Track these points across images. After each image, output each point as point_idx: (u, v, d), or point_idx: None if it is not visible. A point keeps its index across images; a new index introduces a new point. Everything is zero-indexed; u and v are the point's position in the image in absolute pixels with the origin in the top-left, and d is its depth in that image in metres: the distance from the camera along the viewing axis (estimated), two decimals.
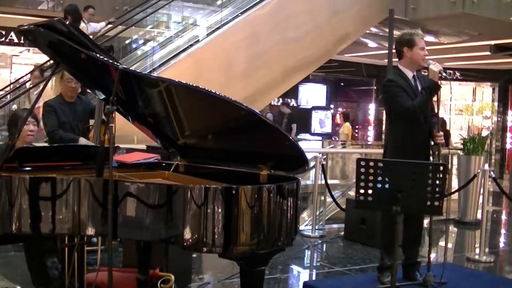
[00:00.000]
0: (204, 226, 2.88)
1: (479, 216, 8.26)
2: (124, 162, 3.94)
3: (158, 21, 11.17)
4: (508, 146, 18.83)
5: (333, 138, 17.58)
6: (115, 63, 3.22)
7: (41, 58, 10.77)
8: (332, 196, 7.69)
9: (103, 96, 3.72)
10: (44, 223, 3.07)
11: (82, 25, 9.50)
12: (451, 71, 18.03)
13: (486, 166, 7.60)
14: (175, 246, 3.09)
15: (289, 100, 17.47)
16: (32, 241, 3.98)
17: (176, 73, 8.76)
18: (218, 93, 3.07)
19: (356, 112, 20.81)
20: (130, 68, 3.70)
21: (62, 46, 3.23)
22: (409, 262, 4.75)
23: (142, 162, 4.03)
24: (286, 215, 3.07)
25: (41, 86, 3.78)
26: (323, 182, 7.56)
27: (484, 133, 15.65)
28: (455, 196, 8.77)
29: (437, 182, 3.55)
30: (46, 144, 5.43)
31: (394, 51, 4.99)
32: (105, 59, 3.20)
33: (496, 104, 19.32)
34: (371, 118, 19.48)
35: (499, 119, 19.23)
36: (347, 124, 16.62)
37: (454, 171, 9.37)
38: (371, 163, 3.60)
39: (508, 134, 18.95)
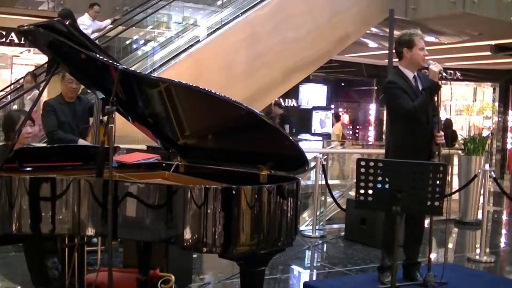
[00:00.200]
0: (204, 226, 2.88)
1: (479, 216, 8.25)
2: (124, 162, 3.94)
3: (159, 21, 11.18)
4: (508, 146, 18.83)
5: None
6: (115, 63, 3.22)
7: (42, 58, 10.80)
8: (332, 196, 7.68)
9: (102, 96, 3.72)
10: (44, 223, 3.07)
11: (89, 22, 9.52)
12: (452, 71, 18.03)
13: (487, 166, 7.59)
14: (175, 246, 3.09)
15: (281, 100, 17.41)
16: (32, 241, 3.98)
17: (176, 73, 8.76)
18: (218, 93, 3.07)
19: (356, 112, 20.81)
20: (130, 68, 3.69)
21: (62, 46, 3.23)
22: (410, 262, 4.75)
23: (142, 163, 4.03)
24: (286, 215, 3.06)
25: (42, 86, 3.77)
26: (324, 182, 7.55)
27: (485, 133, 15.64)
28: (455, 196, 8.77)
29: (437, 182, 3.55)
30: (44, 145, 5.43)
31: (394, 51, 4.99)
32: (105, 59, 3.20)
33: (496, 104, 19.31)
34: (372, 118, 19.49)
35: (499, 119, 19.23)
36: (338, 124, 16.81)
37: (456, 171, 9.36)
38: (371, 163, 3.60)
39: (509, 134, 18.95)
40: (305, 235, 7.21)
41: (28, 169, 3.48)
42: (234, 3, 10.24)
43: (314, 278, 5.66)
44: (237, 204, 2.90)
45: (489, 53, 14.05)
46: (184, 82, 3.22)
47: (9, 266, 5.04)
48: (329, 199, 8.07)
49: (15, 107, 10.07)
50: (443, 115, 14.19)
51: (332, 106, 19.42)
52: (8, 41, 13.00)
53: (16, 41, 12.87)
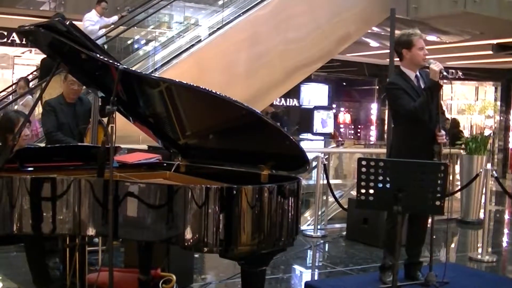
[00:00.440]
0: (205, 226, 2.88)
1: (481, 215, 8.25)
2: (125, 162, 3.94)
3: (160, 21, 11.18)
4: (510, 145, 18.81)
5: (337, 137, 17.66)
6: (116, 63, 3.22)
7: None
8: (334, 196, 7.68)
9: (101, 95, 3.72)
10: (44, 223, 3.07)
11: (96, 18, 9.53)
12: (453, 71, 18.02)
13: (489, 166, 7.56)
14: (176, 246, 3.09)
15: (282, 100, 17.43)
16: (32, 241, 3.99)
17: (177, 73, 8.76)
18: (218, 93, 3.07)
19: (358, 112, 20.79)
20: (131, 68, 3.69)
21: (62, 46, 3.24)
22: (411, 262, 4.75)
23: (143, 162, 4.03)
24: (287, 215, 3.06)
25: (43, 85, 3.78)
26: (325, 182, 7.55)
27: (487, 132, 15.62)
28: (457, 195, 8.76)
29: (438, 181, 3.54)
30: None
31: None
32: (105, 59, 3.20)
33: (498, 103, 19.29)
34: (373, 118, 19.48)
35: (501, 118, 19.21)
36: None
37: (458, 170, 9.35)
38: (372, 163, 3.59)
39: (511, 133, 18.92)
40: (307, 234, 7.21)
41: (29, 169, 3.48)
42: (235, 2, 10.23)
43: (316, 278, 5.65)
44: (238, 204, 2.90)
45: (490, 52, 14.04)
46: (185, 82, 3.22)
47: (10, 266, 5.04)
48: (331, 199, 8.07)
49: (16, 107, 10.06)
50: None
51: (334, 106, 19.41)
52: (9, 41, 13.02)
53: (18, 41, 12.89)
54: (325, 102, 18.56)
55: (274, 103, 16.87)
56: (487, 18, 10.89)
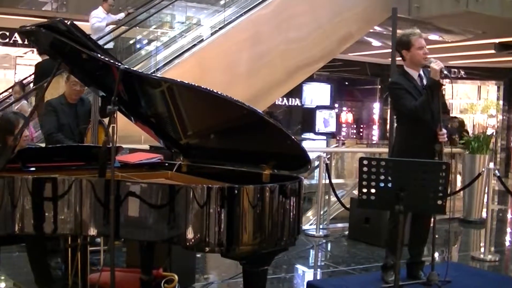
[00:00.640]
0: (207, 226, 2.88)
1: (484, 215, 8.24)
2: (126, 162, 3.95)
3: (162, 21, 11.19)
4: None
5: (338, 138, 17.63)
6: (117, 63, 3.22)
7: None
8: (336, 195, 7.68)
9: (102, 94, 3.72)
10: (46, 223, 3.08)
11: (103, 15, 9.54)
12: (456, 70, 18.00)
13: (491, 165, 7.55)
14: (177, 246, 3.09)
15: (284, 99, 17.41)
16: (34, 241, 3.99)
17: (179, 73, 8.77)
18: (220, 93, 3.06)
19: (360, 111, 20.79)
20: (132, 68, 3.69)
21: (63, 47, 3.24)
22: (414, 261, 4.75)
23: (145, 162, 4.03)
24: (288, 214, 3.06)
25: (45, 85, 3.77)
26: (327, 181, 7.55)
27: (489, 131, 15.60)
28: (460, 194, 8.75)
29: (440, 181, 3.54)
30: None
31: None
32: (106, 59, 3.20)
33: (501, 102, 19.27)
34: (376, 117, 19.47)
35: (504, 117, 19.19)
36: None
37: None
38: (374, 162, 3.59)
39: None
40: (309, 234, 7.21)
41: (31, 169, 3.49)
42: (236, 2, 10.23)
43: (318, 277, 5.65)
44: (239, 204, 2.90)
45: (493, 51, 14.02)
46: (186, 82, 3.22)
47: (13, 266, 5.04)
48: (333, 198, 8.06)
49: (17, 108, 10.06)
50: None
51: (336, 105, 19.40)
52: (12, 41, 13.03)
53: (20, 41, 12.90)
54: (327, 102, 18.54)
55: (276, 103, 16.87)
56: (490, 17, 10.87)
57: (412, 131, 4.56)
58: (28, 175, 3.15)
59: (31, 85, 9.17)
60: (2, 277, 4.83)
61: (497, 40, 13.54)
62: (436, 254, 5.23)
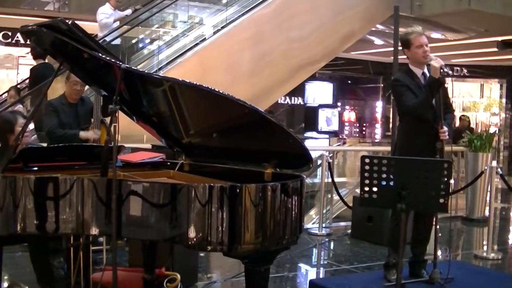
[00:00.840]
0: (209, 224, 2.88)
1: (486, 213, 8.23)
2: (128, 161, 3.95)
3: (164, 20, 11.19)
4: None
5: (340, 136, 17.61)
6: (118, 62, 3.22)
7: (46, 59, 10.77)
8: (339, 194, 7.67)
9: (103, 93, 3.72)
10: (48, 223, 3.08)
11: (111, 12, 9.55)
12: (458, 68, 17.96)
13: (494, 163, 7.54)
14: (179, 245, 3.09)
15: (287, 98, 17.40)
16: (36, 241, 3.99)
17: (181, 72, 8.77)
18: (222, 92, 3.06)
19: (363, 110, 20.77)
20: (134, 67, 3.69)
21: (65, 46, 3.24)
22: (416, 260, 4.74)
23: (147, 162, 4.03)
24: (290, 213, 3.06)
25: (47, 85, 3.77)
26: (330, 180, 7.54)
27: (492, 129, 15.57)
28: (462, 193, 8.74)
29: (442, 179, 3.53)
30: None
31: (400, 48, 4.98)
32: (108, 58, 3.20)
33: (504, 100, 19.23)
34: (378, 115, 19.45)
35: (507, 115, 19.14)
36: None
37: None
38: (375, 160, 3.58)
39: None
40: (312, 233, 7.21)
41: (33, 169, 3.49)
42: (238, 1, 10.22)
43: (321, 276, 5.65)
44: (241, 203, 2.90)
45: (495, 49, 13.99)
46: (188, 81, 3.22)
47: (15, 266, 5.05)
48: (336, 197, 8.06)
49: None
50: None
51: (339, 104, 19.39)
52: (14, 41, 13.05)
53: (22, 41, 12.92)
54: (330, 100, 18.51)
55: (279, 102, 16.87)
56: (492, 15, 10.85)
57: (414, 128, 4.55)
58: (30, 175, 3.16)
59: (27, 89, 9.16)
60: (5, 277, 4.84)
61: (499, 38, 13.51)
62: (439, 253, 5.22)
